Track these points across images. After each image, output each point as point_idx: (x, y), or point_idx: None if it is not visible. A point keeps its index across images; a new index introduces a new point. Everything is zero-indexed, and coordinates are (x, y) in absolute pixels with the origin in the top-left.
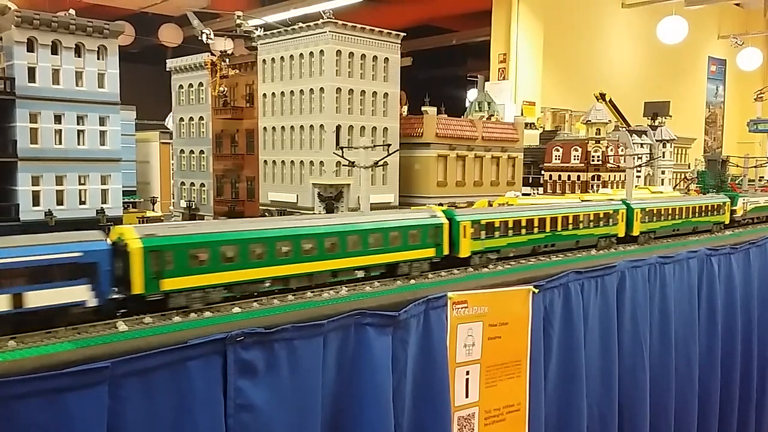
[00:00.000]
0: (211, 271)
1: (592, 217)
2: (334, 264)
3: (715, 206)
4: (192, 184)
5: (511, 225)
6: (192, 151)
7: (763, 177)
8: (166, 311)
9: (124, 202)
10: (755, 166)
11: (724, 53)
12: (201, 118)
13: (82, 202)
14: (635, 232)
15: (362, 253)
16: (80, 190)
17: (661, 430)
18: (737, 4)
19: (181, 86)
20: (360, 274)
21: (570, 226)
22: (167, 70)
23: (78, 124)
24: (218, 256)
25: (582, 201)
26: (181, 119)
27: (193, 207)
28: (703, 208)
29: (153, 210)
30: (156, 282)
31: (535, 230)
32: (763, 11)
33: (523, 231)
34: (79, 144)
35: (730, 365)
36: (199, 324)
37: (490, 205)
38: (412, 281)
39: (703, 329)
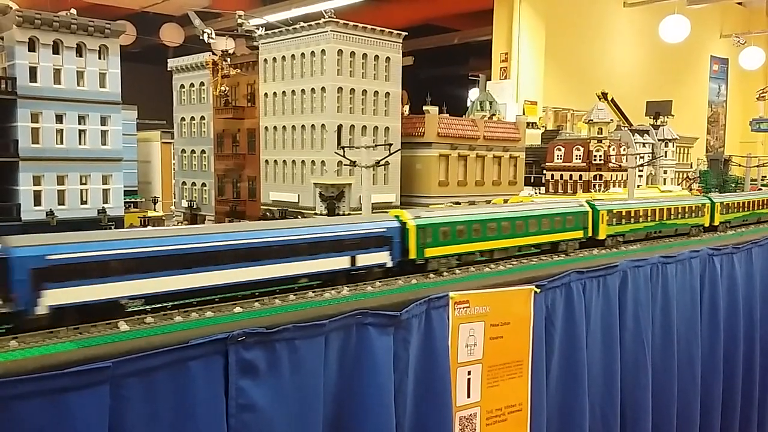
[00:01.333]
0: (449, 244)
1: (686, 209)
2: (521, 241)
3: None
4: (193, 183)
5: (632, 214)
6: (193, 151)
7: (765, 176)
8: (425, 272)
9: (125, 202)
10: (758, 166)
11: (726, 52)
12: (202, 118)
13: (83, 202)
14: (716, 222)
15: (538, 233)
16: (81, 190)
17: (663, 429)
18: (739, 3)
19: (182, 86)
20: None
21: (672, 217)
22: (168, 69)
23: (79, 123)
24: (455, 234)
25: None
26: (183, 119)
27: (195, 207)
28: (765, 202)
29: (154, 209)
30: (422, 250)
31: (648, 219)
32: (765, 10)
33: (641, 219)
34: (80, 144)
35: (732, 365)
36: (200, 324)
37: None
38: (413, 281)
39: (705, 329)
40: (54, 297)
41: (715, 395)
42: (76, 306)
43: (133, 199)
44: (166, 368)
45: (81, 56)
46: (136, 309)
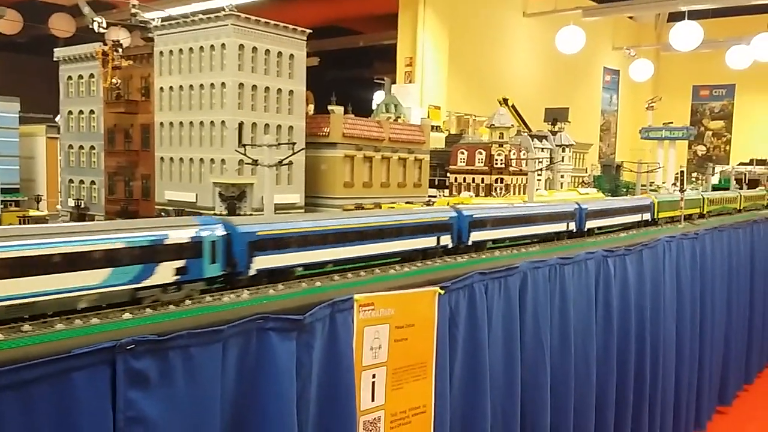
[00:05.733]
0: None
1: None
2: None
3: (763, 195)
4: (81, 181)
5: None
6: (82, 147)
7: (653, 182)
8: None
9: (4, 200)
10: (647, 171)
11: (618, 64)
12: (92, 112)
13: None
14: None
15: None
16: None
17: (560, 427)
18: (630, 17)
19: (69, 77)
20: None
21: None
22: (55, 59)
23: None
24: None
25: None
26: (70, 112)
27: (83, 206)
28: (759, 197)
29: (38, 209)
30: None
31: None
32: (654, 24)
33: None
34: None
35: (624, 362)
36: (84, 332)
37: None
38: (318, 283)
39: (600, 329)
40: None
41: (609, 391)
42: None
43: (13, 198)
44: (46, 380)
45: None
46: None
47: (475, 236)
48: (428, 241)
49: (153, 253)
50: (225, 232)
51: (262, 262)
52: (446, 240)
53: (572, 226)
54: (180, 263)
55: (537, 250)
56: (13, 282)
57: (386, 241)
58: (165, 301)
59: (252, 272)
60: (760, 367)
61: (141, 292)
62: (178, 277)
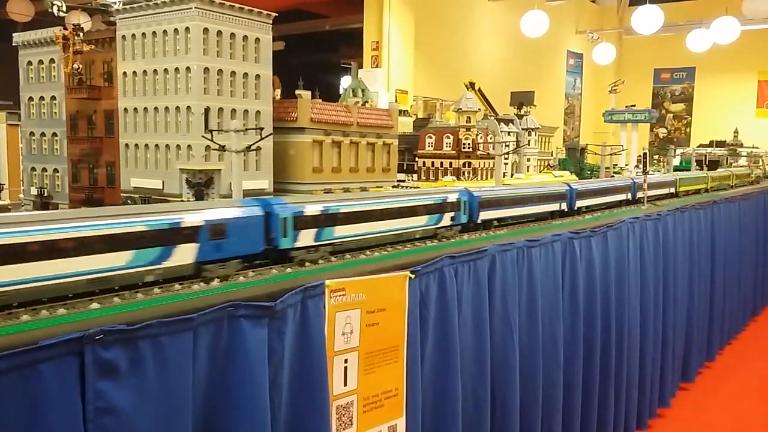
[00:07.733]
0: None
1: None
2: (718, 182)
3: (748, 174)
4: (44, 169)
5: None
6: (43, 134)
7: (616, 164)
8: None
9: None
10: (611, 154)
11: (581, 47)
12: (53, 98)
13: None
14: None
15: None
16: None
17: (529, 406)
18: (593, 1)
19: (30, 62)
20: None
21: None
22: (14, 44)
23: None
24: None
25: None
26: (30, 99)
27: (46, 195)
28: (745, 175)
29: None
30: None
31: None
32: (616, 8)
33: None
34: None
35: (591, 343)
36: (51, 322)
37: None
38: (288, 270)
39: (567, 309)
40: None
41: (576, 371)
42: None
43: None
44: (12, 373)
45: None
46: None
47: (579, 203)
48: (554, 207)
49: (443, 207)
50: (467, 196)
51: (483, 215)
52: (564, 206)
53: (629, 196)
54: (452, 214)
55: (505, 233)
56: (360, 226)
57: (538, 205)
58: (447, 236)
59: (479, 221)
60: (721, 345)
61: (438, 230)
62: (451, 222)
